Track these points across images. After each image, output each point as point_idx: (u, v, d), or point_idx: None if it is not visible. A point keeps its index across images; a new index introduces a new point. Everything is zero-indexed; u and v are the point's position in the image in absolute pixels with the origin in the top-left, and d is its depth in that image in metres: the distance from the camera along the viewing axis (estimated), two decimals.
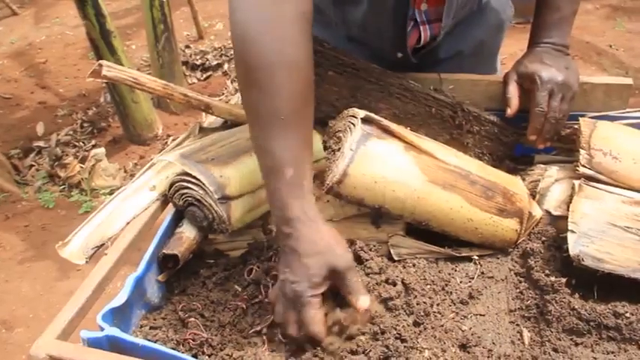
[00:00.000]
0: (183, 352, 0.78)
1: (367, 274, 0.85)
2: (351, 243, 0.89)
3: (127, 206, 0.93)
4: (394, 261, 0.91)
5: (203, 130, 1.10)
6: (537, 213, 0.96)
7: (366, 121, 0.87)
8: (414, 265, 0.89)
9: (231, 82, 3.66)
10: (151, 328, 0.83)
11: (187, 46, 4.08)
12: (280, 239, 0.79)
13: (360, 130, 0.86)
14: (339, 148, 0.87)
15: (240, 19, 0.79)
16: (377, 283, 0.84)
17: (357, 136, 0.86)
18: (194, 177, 0.87)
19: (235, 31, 0.79)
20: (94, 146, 3.16)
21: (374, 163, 0.86)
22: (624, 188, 0.90)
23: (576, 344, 0.83)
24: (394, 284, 0.83)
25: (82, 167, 2.94)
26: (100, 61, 0.98)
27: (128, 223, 0.91)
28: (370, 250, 0.89)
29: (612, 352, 0.81)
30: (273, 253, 0.88)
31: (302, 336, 0.76)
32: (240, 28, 0.79)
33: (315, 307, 0.76)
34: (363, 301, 0.76)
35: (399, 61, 1.13)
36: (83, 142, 3.21)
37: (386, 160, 0.86)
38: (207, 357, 0.79)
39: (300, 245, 0.76)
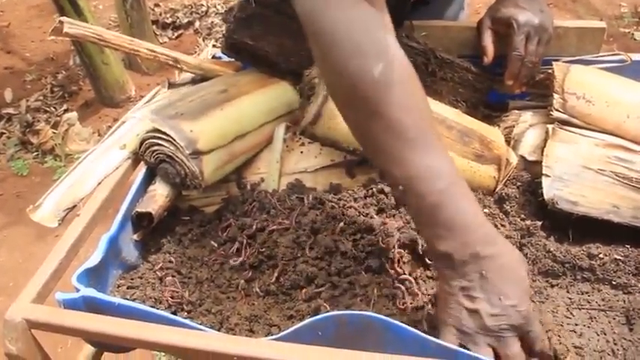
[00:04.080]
0: (162, 310, 0.77)
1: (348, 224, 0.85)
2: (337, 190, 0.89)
3: (97, 166, 0.91)
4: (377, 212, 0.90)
5: (172, 86, 1.07)
6: (514, 160, 0.97)
7: None
8: (393, 216, 0.89)
9: (203, 40, 3.59)
10: (128, 287, 0.82)
11: (157, 5, 3.97)
12: (471, 265, 0.65)
13: None
14: (314, 93, 0.86)
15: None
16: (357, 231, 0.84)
17: None
18: (164, 133, 0.85)
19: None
20: (65, 111, 3.10)
21: None
22: (597, 131, 0.91)
23: (552, 286, 0.84)
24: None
25: (54, 132, 2.88)
26: (61, 18, 0.94)
27: (100, 183, 0.89)
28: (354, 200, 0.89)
29: (586, 293, 0.83)
30: (248, 208, 0.87)
31: None
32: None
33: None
34: None
35: None
36: (54, 107, 3.14)
37: None
38: (186, 313, 0.78)
39: (508, 261, 0.66)
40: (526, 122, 1.00)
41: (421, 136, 0.66)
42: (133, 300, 0.79)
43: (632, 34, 3.50)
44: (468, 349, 0.65)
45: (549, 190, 0.87)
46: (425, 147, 0.66)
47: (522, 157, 0.97)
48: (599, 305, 0.81)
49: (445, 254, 0.66)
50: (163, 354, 1.72)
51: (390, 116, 0.66)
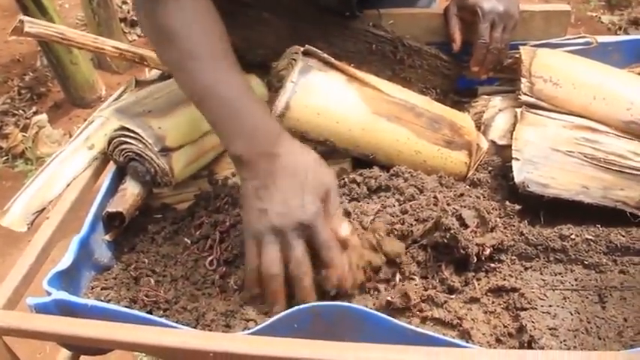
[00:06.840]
0: (137, 310, 0.76)
1: None
2: None
3: (66, 168, 0.90)
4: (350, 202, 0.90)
5: (140, 84, 1.06)
6: (484, 145, 0.97)
7: (307, 54, 0.87)
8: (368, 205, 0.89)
9: None
10: (102, 289, 0.81)
11: (124, 2, 3.90)
12: (260, 164, 0.68)
13: (301, 63, 0.85)
14: (282, 86, 0.86)
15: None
16: None
17: (298, 68, 0.85)
18: (132, 131, 0.85)
19: None
20: (35, 113, 3.03)
21: (316, 94, 0.86)
22: (565, 113, 0.91)
23: (525, 268, 0.84)
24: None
25: (24, 136, 2.82)
26: (21, 17, 0.92)
27: (69, 185, 0.88)
28: None
29: (560, 274, 0.84)
30: (221, 204, 0.87)
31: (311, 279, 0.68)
32: None
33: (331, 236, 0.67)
34: (344, 229, 0.69)
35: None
36: (23, 110, 3.08)
37: (328, 92, 0.86)
38: (162, 312, 0.78)
39: (298, 161, 0.68)
40: (495, 107, 1.01)
41: (210, 59, 0.74)
42: (108, 301, 0.78)
43: (599, 17, 3.54)
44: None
45: (519, 173, 0.88)
46: (214, 66, 0.74)
47: (493, 142, 0.98)
48: (572, 285, 0.82)
49: (236, 156, 0.70)
50: (145, 355, 1.71)
51: (184, 47, 0.75)
